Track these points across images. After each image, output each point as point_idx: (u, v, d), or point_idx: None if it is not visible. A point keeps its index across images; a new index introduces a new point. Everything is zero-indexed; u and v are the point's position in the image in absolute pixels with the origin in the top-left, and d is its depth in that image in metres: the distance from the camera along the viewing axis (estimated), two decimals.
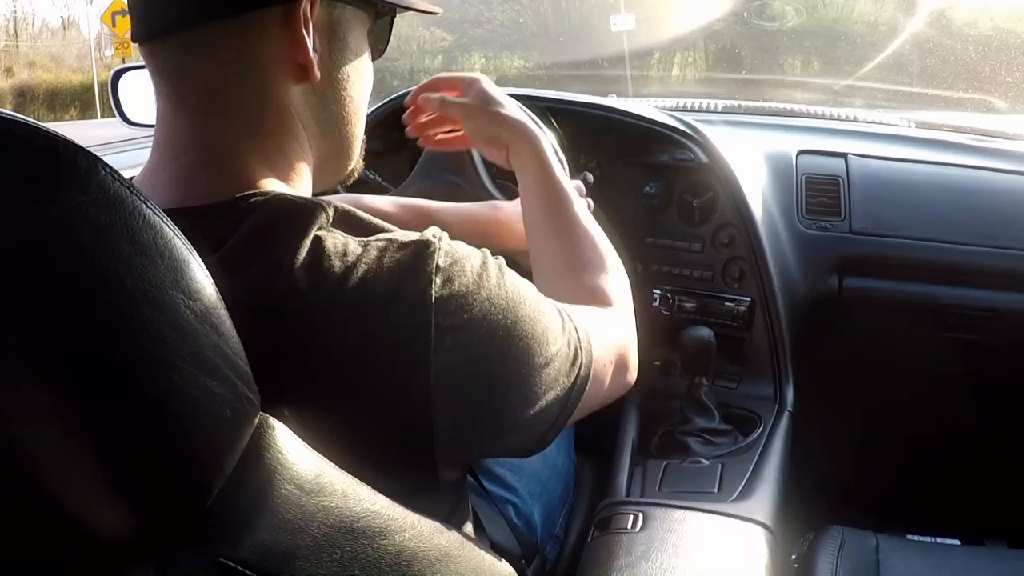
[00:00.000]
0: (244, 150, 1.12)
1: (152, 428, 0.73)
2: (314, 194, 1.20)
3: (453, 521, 1.17)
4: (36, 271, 0.66)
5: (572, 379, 1.19)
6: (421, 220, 1.65)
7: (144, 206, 0.73)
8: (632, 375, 1.43)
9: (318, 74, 1.13)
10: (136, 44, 1.14)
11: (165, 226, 0.75)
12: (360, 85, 1.24)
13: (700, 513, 1.58)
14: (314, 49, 1.12)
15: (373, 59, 1.28)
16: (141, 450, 0.73)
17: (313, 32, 1.11)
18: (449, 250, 1.06)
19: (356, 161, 1.31)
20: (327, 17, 1.14)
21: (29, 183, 0.67)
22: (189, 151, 1.10)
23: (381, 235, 1.08)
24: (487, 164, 2.18)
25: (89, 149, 0.71)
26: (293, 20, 1.09)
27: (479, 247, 1.22)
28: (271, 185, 1.12)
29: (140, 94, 2.47)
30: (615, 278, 1.48)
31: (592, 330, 1.28)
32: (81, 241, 0.68)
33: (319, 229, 1.03)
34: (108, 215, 0.70)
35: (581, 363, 1.21)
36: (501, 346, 1.07)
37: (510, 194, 2.11)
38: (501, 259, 1.14)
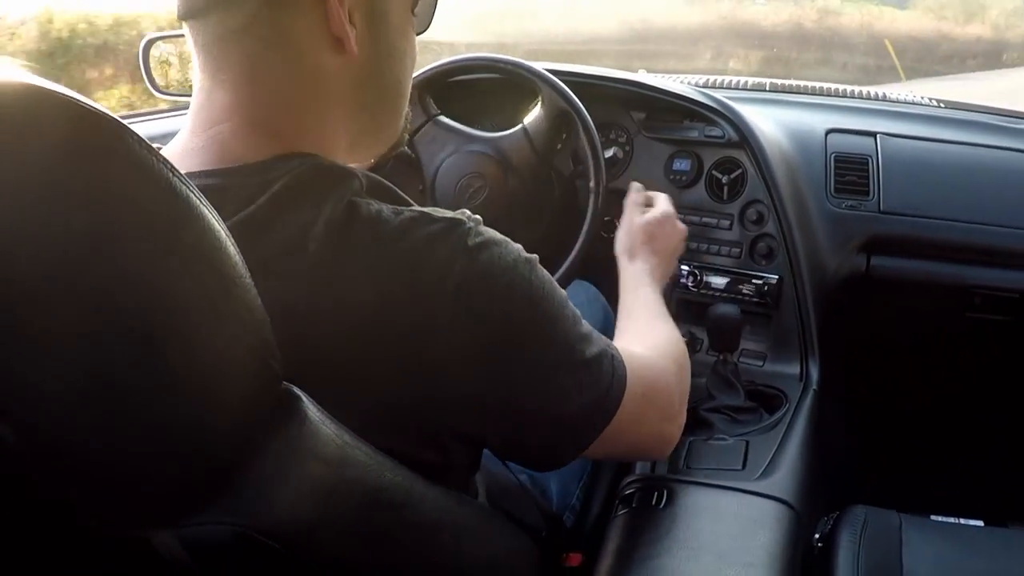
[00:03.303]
0: (279, 122, 1.13)
1: (176, 397, 0.74)
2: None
3: (472, 492, 1.23)
4: (62, 238, 0.66)
5: (594, 400, 1.20)
6: None
7: (171, 175, 0.74)
8: (672, 429, 1.45)
9: (355, 49, 1.14)
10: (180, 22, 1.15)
11: (192, 195, 0.76)
12: (403, 60, 1.26)
13: (724, 491, 1.59)
14: (351, 24, 1.13)
15: (417, 33, 1.29)
16: (165, 419, 0.74)
17: (350, 7, 1.12)
18: (481, 232, 1.09)
19: (396, 136, 1.32)
20: None
21: (57, 149, 0.67)
22: (224, 120, 1.12)
23: (415, 207, 1.10)
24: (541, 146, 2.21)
25: (117, 117, 0.71)
26: None
27: None
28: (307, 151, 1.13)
29: (171, 63, 2.46)
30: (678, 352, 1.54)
31: (634, 361, 1.29)
32: (107, 209, 0.68)
33: (353, 195, 1.06)
34: (135, 183, 0.70)
35: (611, 387, 1.22)
36: (515, 336, 1.10)
37: (542, 171, 2.18)
38: (535, 256, 1.16)
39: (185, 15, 1.13)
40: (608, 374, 1.22)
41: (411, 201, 1.16)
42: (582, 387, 1.18)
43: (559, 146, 2.30)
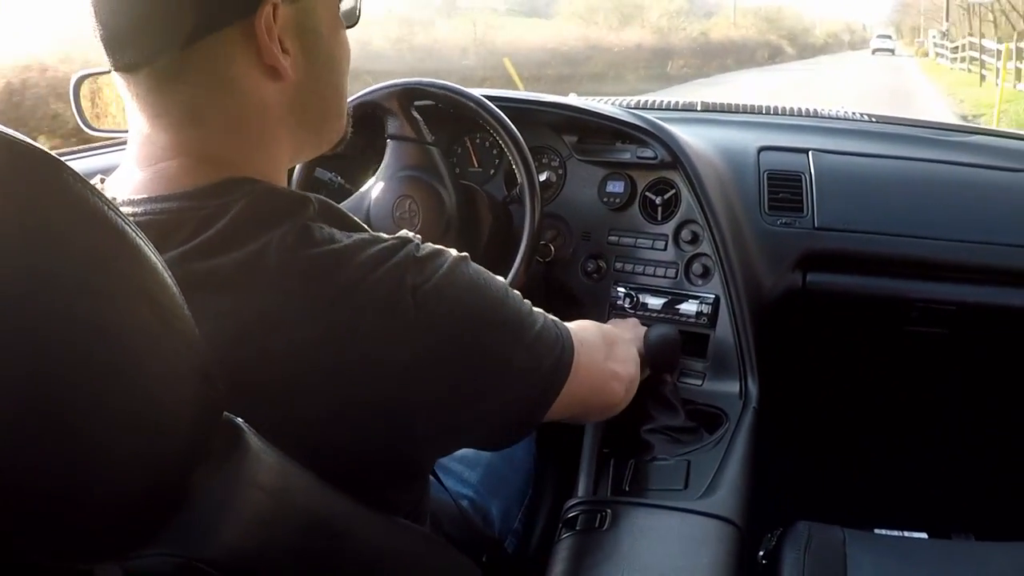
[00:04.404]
0: (224, 153, 1.14)
1: (116, 430, 0.73)
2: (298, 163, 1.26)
3: (415, 518, 1.23)
4: None
5: (552, 363, 1.27)
6: None
7: (107, 209, 0.73)
8: (617, 368, 1.57)
9: (292, 74, 1.15)
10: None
11: (128, 228, 0.75)
12: (339, 66, 1.26)
13: (667, 511, 1.58)
14: (284, 50, 1.13)
15: (349, 27, 1.29)
16: (105, 452, 0.72)
17: (280, 34, 1.12)
18: (425, 246, 1.14)
19: (341, 133, 1.33)
20: (292, 14, 1.14)
21: None
22: (169, 159, 1.12)
23: (363, 232, 1.14)
24: (450, 162, 2.26)
25: (52, 152, 0.70)
26: (256, 32, 1.09)
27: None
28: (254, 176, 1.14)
29: (102, 99, 2.44)
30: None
31: (579, 336, 1.37)
32: (43, 245, 0.67)
33: (307, 219, 1.09)
34: (70, 217, 0.69)
35: (563, 348, 1.30)
36: (472, 326, 1.16)
37: (473, 192, 2.20)
38: (466, 254, 1.20)
39: (115, 68, 1.12)
40: (555, 335, 1.30)
41: (362, 224, 1.19)
42: (540, 356, 1.25)
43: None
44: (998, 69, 24.21)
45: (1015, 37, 29.32)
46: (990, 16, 50.93)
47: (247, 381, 0.98)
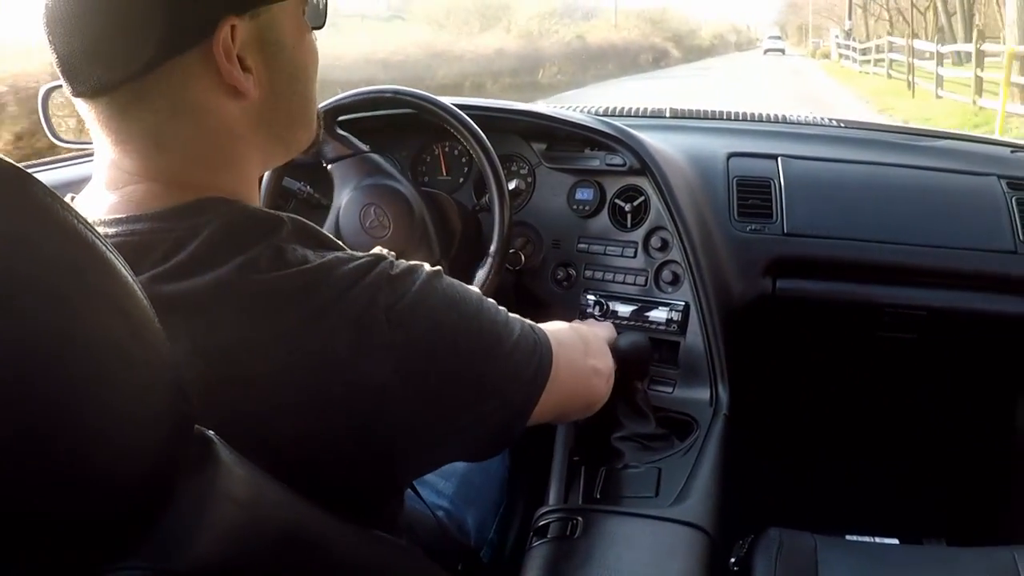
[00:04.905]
0: (192, 176, 1.12)
1: (87, 444, 0.71)
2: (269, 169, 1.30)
3: (391, 530, 1.21)
4: None
5: (532, 371, 1.28)
6: None
7: (76, 221, 0.72)
8: (597, 364, 1.57)
9: (255, 91, 1.13)
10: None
11: (97, 240, 0.74)
12: (304, 73, 1.24)
13: (638, 518, 1.58)
14: (245, 68, 1.11)
15: (316, 28, 1.26)
16: (76, 466, 0.71)
17: (240, 52, 1.10)
18: (399, 263, 1.14)
19: (310, 140, 1.31)
20: (253, 29, 1.12)
21: None
22: (137, 182, 1.11)
23: (337, 251, 1.13)
24: (413, 167, 2.35)
25: (20, 165, 0.69)
26: (214, 55, 1.08)
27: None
28: (225, 196, 1.13)
29: (71, 110, 2.42)
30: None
31: (556, 338, 1.37)
32: (11, 257, 0.66)
33: (280, 241, 1.08)
34: (39, 231, 0.69)
35: (541, 353, 1.30)
36: (449, 343, 1.15)
37: (443, 200, 2.22)
38: (439, 267, 1.20)
39: (74, 95, 1.11)
40: (532, 343, 1.29)
41: (337, 242, 1.17)
42: (518, 366, 1.25)
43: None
44: (939, 76, 21.85)
45: (916, 35, 27.59)
46: (885, 15, 50.70)
47: (221, 403, 0.97)
